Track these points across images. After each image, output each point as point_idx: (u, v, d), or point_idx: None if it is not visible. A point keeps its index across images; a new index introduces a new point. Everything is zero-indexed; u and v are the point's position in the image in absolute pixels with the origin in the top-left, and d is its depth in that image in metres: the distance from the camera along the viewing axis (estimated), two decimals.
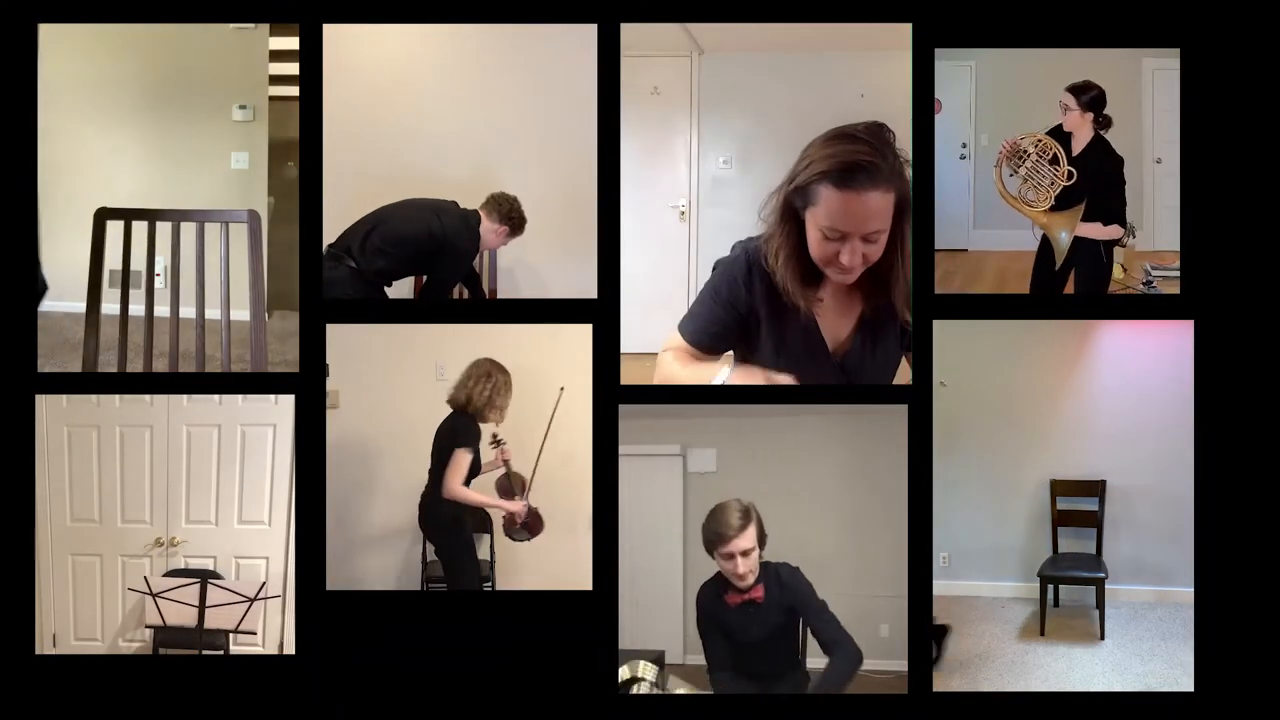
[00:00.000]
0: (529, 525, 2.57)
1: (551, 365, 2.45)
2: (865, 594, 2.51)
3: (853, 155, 1.88)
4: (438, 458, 2.53)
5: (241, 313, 2.48)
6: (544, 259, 2.95)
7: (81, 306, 2.48)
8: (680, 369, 2.09)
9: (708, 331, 2.09)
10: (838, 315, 2.08)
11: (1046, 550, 2.76)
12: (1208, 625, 2.28)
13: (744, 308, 2.05)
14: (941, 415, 2.30)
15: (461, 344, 2.56)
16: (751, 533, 2.25)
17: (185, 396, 2.45)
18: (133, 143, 2.99)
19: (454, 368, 2.58)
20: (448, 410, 2.54)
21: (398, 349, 2.56)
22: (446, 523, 2.54)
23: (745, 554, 2.24)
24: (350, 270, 2.71)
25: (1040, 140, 2.52)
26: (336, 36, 2.34)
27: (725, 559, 2.26)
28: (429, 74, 2.89)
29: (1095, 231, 2.51)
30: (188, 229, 2.50)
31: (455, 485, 2.50)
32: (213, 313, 2.50)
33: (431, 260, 2.86)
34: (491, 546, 2.62)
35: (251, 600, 2.41)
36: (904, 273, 2.01)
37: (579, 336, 2.32)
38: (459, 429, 2.52)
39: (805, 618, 2.31)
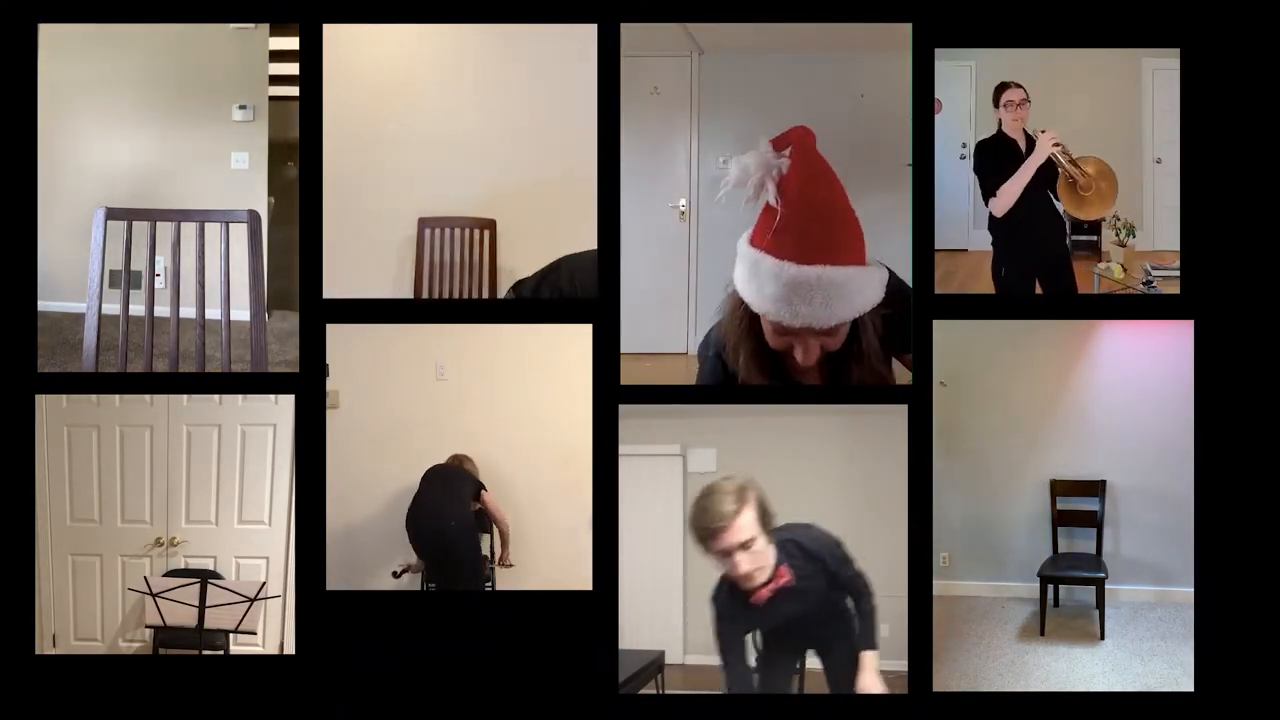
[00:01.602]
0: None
1: (551, 365, 2.45)
2: None
3: None
4: (450, 486, 2.58)
5: (241, 313, 2.48)
6: (543, 260, 2.95)
7: (82, 306, 2.48)
8: None
9: None
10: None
11: (1046, 550, 2.77)
12: (1208, 625, 2.28)
13: None
14: (941, 415, 2.30)
15: (461, 344, 2.56)
16: (749, 518, 1.88)
17: (185, 396, 2.45)
18: (133, 143, 2.99)
19: (454, 368, 2.58)
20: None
21: (398, 349, 2.56)
22: (471, 528, 2.57)
23: (745, 546, 1.89)
24: None
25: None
26: (336, 36, 2.34)
27: (722, 557, 1.90)
28: (429, 74, 2.89)
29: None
30: (188, 229, 2.50)
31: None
32: (213, 313, 2.50)
33: None
34: (492, 546, 2.62)
35: (251, 600, 2.41)
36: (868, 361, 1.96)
37: (579, 336, 2.32)
38: (471, 477, 2.59)
39: (838, 577, 2.02)
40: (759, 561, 1.91)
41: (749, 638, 2.08)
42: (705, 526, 1.88)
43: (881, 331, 1.96)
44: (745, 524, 1.88)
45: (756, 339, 1.91)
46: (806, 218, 1.82)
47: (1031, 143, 2.55)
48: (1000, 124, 2.54)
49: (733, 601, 1.98)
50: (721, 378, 2.00)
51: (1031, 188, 2.56)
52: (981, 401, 2.66)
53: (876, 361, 1.97)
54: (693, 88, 3.24)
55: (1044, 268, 2.56)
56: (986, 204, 2.54)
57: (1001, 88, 2.51)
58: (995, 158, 2.54)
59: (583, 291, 2.29)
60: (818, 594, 2.01)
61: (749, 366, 1.92)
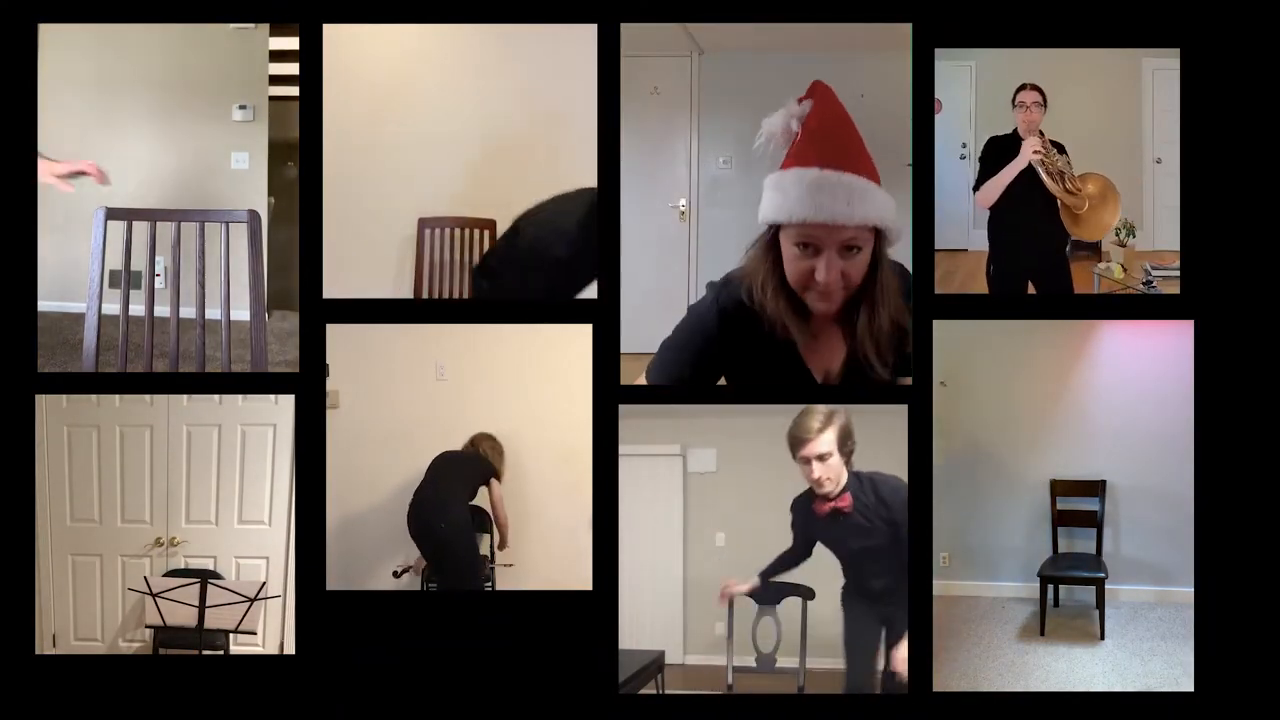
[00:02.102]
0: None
1: (551, 365, 2.45)
2: None
3: None
4: (452, 479, 2.55)
5: (241, 313, 2.48)
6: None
7: (82, 306, 2.48)
8: None
9: (672, 380, 2.11)
10: (828, 351, 2.07)
11: (1046, 550, 2.77)
12: (1208, 625, 2.28)
13: (711, 360, 2.08)
14: (941, 415, 2.30)
15: (461, 344, 2.56)
16: (830, 437, 2.22)
17: (185, 396, 2.45)
18: (133, 143, 2.99)
19: (454, 368, 2.58)
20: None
21: (398, 349, 2.56)
22: (465, 528, 2.56)
23: (822, 459, 2.23)
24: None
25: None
26: (336, 36, 2.34)
27: (803, 464, 2.24)
28: (429, 74, 2.88)
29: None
30: (188, 229, 2.50)
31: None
32: (213, 313, 2.50)
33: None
34: (492, 546, 2.62)
35: (251, 600, 2.41)
36: (880, 314, 2.00)
37: (579, 336, 2.32)
38: (483, 463, 2.57)
39: (902, 529, 2.28)
40: (830, 474, 2.24)
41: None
42: (795, 436, 2.24)
43: (901, 285, 2.03)
44: (825, 440, 2.22)
45: (783, 275, 1.98)
46: (827, 141, 1.96)
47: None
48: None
49: (805, 503, 2.31)
50: (714, 315, 2.04)
51: (1031, 188, 2.56)
52: (981, 401, 2.66)
53: (895, 308, 2.01)
54: (693, 88, 3.24)
55: (1037, 268, 2.56)
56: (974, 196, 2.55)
57: (1020, 88, 2.51)
58: (997, 155, 2.55)
59: (539, 243, 2.38)
60: (879, 536, 2.27)
61: (775, 300, 1.98)
